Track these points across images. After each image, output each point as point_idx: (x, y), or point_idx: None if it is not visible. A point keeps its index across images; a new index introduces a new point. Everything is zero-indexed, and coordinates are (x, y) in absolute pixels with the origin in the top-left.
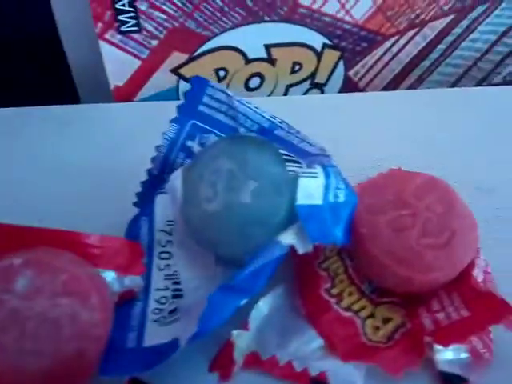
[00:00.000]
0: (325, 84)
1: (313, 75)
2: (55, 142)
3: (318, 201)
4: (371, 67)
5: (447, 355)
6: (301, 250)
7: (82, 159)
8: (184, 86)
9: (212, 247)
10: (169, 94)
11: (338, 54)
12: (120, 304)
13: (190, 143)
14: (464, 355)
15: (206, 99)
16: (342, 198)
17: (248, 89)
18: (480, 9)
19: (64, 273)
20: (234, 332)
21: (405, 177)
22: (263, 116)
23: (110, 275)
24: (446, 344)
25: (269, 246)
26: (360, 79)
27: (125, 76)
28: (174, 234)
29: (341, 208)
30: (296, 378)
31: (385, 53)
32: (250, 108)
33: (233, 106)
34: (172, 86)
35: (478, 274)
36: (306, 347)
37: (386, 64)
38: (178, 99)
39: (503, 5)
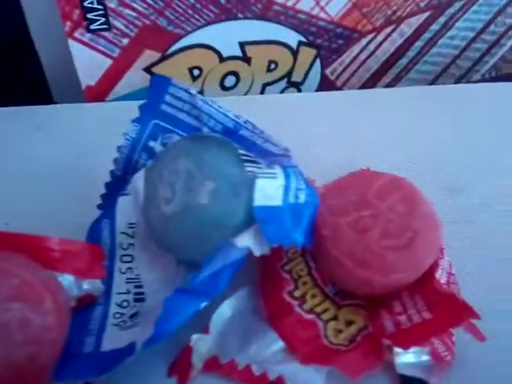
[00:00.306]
0: (301, 83)
1: (289, 74)
2: (26, 142)
3: (278, 202)
4: (348, 65)
5: (408, 358)
6: (257, 253)
7: (52, 160)
8: None
9: (171, 250)
10: (142, 94)
11: (314, 51)
12: (79, 308)
13: (152, 143)
14: (425, 358)
15: (168, 98)
16: (302, 198)
17: (224, 88)
18: (457, 5)
19: (15, 277)
20: (194, 336)
21: (369, 177)
22: (227, 116)
23: (67, 279)
24: (405, 347)
25: (225, 248)
26: (337, 78)
27: (96, 75)
28: (136, 236)
29: (301, 209)
30: (254, 382)
31: (361, 50)
32: (213, 107)
33: (196, 106)
34: (145, 86)
35: (441, 276)
36: (266, 350)
37: (363, 62)
38: None
39: (480, 0)
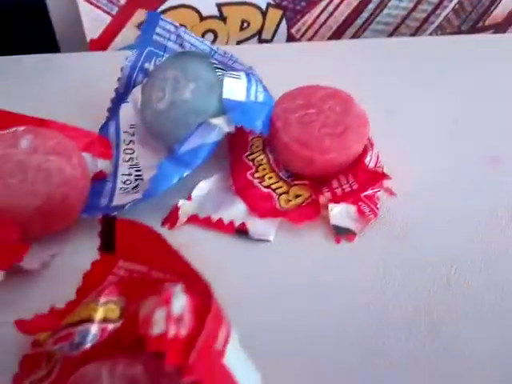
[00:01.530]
0: (271, 40)
1: (259, 32)
2: (40, 82)
3: (241, 98)
4: (311, 25)
5: (340, 213)
6: (226, 129)
7: (66, 93)
8: None
9: (163, 137)
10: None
11: (280, 12)
12: (96, 181)
13: (147, 65)
14: (352, 214)
15: (158, 30)
16: (261, 98)
17: None
18: None
19: (53, 138)
20: (181, 201)
21: (315, 88)
22: (204, 43)
23: (87, 156)
24: (336, 202)
25: (203, 127)
26: (301, 36)
27: (99, 30)
28: (136, 134)
29: (260, 106)
30: (224, 228)
31: (322, 11)
32: (193, 37)
33: (180, 35)
34: None
35: (369, 161)
36: (233, 210)
37: (324, 22)
38: None
39: None
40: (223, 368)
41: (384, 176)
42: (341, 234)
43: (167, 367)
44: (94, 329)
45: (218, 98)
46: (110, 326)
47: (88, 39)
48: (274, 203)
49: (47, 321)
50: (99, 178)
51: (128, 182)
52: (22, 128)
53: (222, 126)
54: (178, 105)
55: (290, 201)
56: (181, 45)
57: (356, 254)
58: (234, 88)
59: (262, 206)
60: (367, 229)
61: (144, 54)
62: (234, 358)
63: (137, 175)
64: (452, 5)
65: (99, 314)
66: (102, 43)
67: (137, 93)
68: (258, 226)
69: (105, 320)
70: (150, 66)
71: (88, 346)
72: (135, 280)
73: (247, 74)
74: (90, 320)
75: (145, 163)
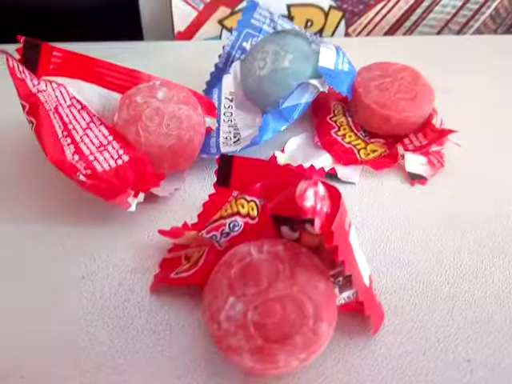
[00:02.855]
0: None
1: (321, 30)
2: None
3: (331, 66)
4: (366, 26)
5: (413, 162)
6: (321, 89)
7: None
8: (225, 35)
9: (264, 100)
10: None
11: (340, 13)
12: (205, 135)
13: (244, 44)
14: (424, 164)
15: (256, 15)
16: (346, 68)
17: None
18: None
19: (184, 91)
20: (276, 152)
21: (388, 63)
22: (293, 26)
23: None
24: (410, 151)
25: (301, 87)
26: (357, 35)
27: (185, 23)
28: (234, 100)
29: (345, 74)
30: (316, 172)
31: (376, 14)
32: (284, 21)
33: (273, 20)
34: (216, 35)
35: (435, 122)
36: (322, 159)
37: (377, 23)
38: None
39: None
40: (349, 244)
41: (450, 131)
42: (414, 178)
43: (317, 231)
44: (240, 220)
45: (312, 66)
46: (250, 221)
47: (175, 31)
48: (355, 155)
49: (181, 230)
50: (207, 133)
51: (228, 138)
52: (158, 82)
53: (317, 85)
54: (278, 71)
55: (368, 154)
56: (274, 28)
57: (427, 194)
58: (327, 57)
59: (345, 158)
60: (436, 175)
61: (242, 35)
62: (355, 242)
63: (235, 133)
64: (489, 11)
65: (245, 210)
66: (186, 35)
67: (236, 66)
68: (345, 170)
69: (247, 215)
70: (247, 45)
71: (235, 234)
72: (273, 185)
73: (336, 48)
74: (238, 214)
75: (241, 123)
